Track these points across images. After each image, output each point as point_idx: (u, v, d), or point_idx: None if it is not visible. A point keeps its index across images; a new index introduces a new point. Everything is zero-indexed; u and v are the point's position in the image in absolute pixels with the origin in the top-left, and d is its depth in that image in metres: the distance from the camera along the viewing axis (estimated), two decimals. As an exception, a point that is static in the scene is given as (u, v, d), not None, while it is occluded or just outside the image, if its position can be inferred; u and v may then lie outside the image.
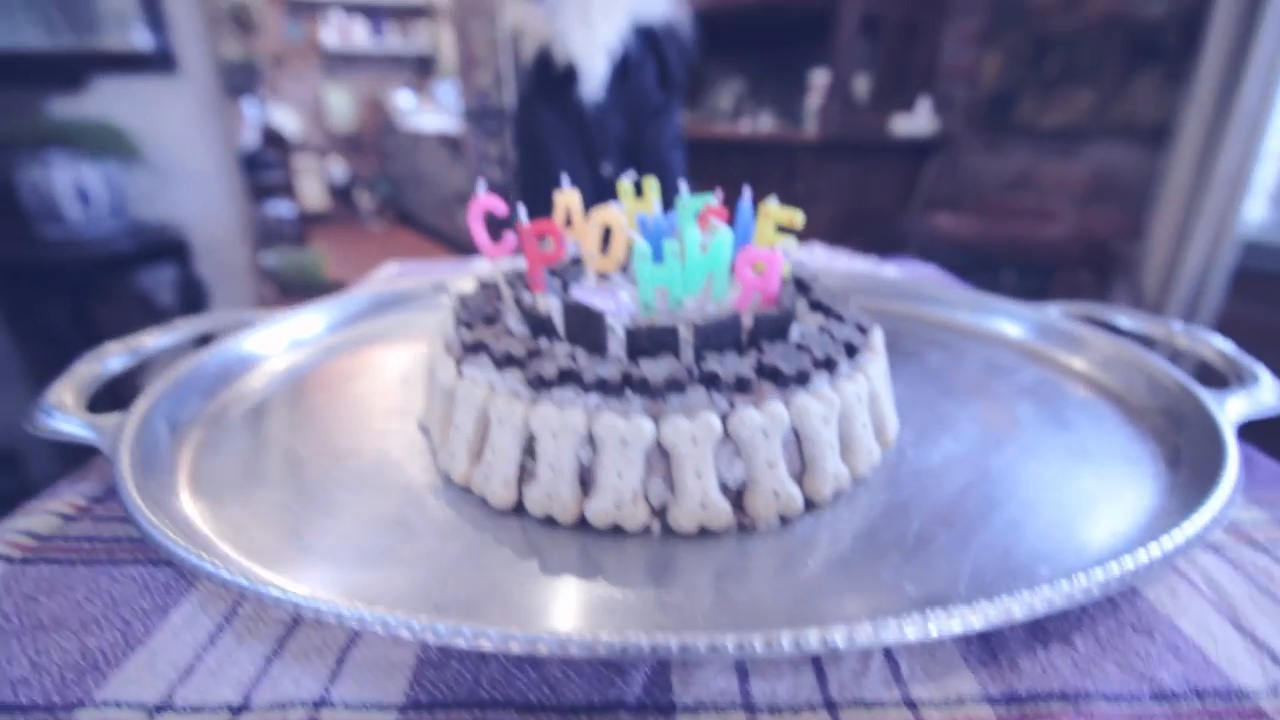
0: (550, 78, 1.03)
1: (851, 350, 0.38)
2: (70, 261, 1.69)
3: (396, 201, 6.29)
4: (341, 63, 6.06)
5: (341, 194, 6.19)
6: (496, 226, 0.42)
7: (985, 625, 0.26)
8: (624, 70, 1.01)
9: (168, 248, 1.90)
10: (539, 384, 0.35)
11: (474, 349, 0.38)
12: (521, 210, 0.41)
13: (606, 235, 0.41)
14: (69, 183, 1.65)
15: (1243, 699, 0.26)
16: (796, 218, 0.44)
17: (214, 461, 0.41)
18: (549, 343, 0.37)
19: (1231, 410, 0.41)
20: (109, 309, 2.18)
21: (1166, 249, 1.58)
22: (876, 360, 0.41)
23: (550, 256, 0.41)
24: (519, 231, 0.41)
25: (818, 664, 0.29)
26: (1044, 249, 1.74)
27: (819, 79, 1.94)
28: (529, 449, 0.35)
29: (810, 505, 0.36)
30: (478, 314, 0.40)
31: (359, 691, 0.26)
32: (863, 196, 2.04)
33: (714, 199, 0.46)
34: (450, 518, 0.36)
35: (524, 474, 0.36)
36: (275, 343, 0.55)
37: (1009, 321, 0.62)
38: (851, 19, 1.85)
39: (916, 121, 2.04)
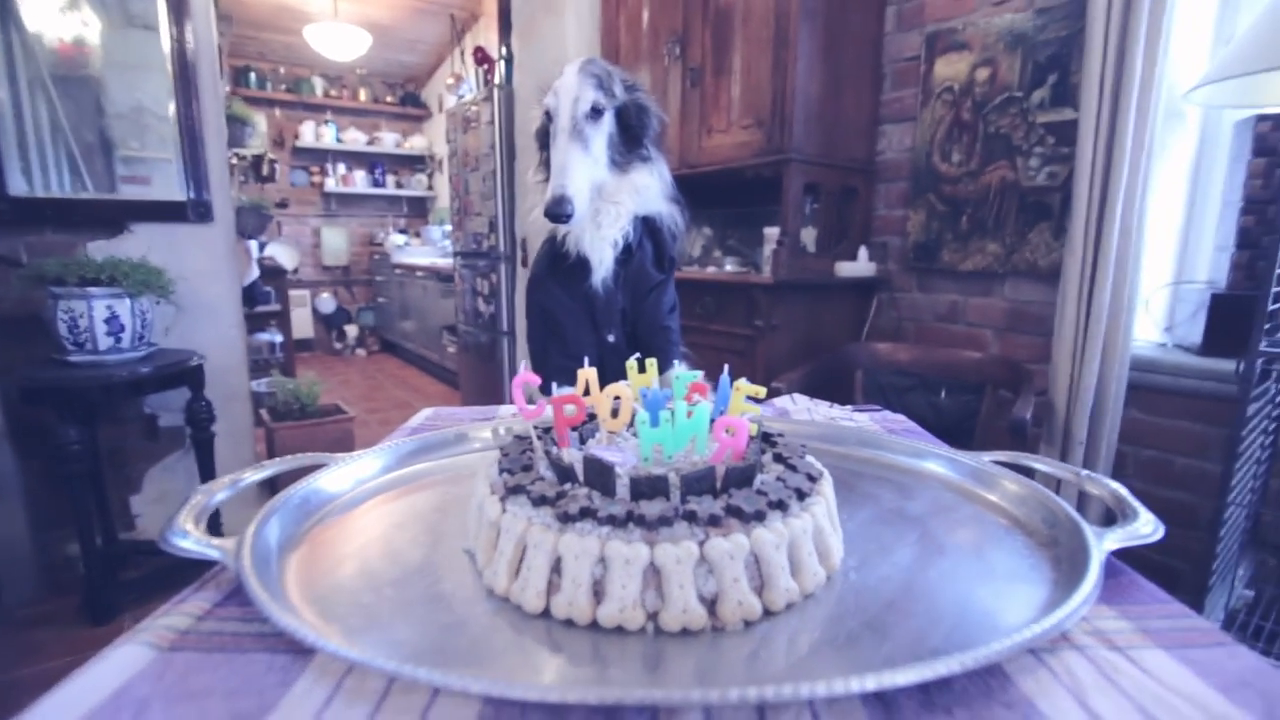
0: (562, 264, 1.07)
1: (801, 495, 0.47)
2: (94, 385, 1.73)
3: (379, 331, 6.34)
4: (340, 204, 6.31)
5: (326, 323, 6.23)
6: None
7: (864, 689, 0.33)
8: (626, 254, 1.06)
9: (184, 373, 1.95)
10: (565, 518, 0.43)
11: (515, 490, 0.47)
12: (554, 387, 0.52)
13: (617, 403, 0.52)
14: (104, 315, 1.74)
15: None
16: (760, 390, 0.54)
17: (307, 575, 0.48)
18: (572, 486, 0.46)
19: (1109, 542, 0.48)
20: (113, 428, 2.21)
21: (1067, 369, 1.74)
22: (822, 502, 0.49)
23: (573, 420, 0.51)
24: (551, 400, 0.51)
25: (763, 713, 0.35)
26: (971, 370, 1.89)
27: (772, 232, 2.15)
28: (556, 567, 0.43)
29: (768, 613, 0.43)
30: (516, 463, 0.51)
31: None
32: (815, 328, 2.21)
33: (700, 375, 0.57)
34: (495, 621, 0.43)
35: (551, 586, 0.43)
36: (344, 480, 0.63)
37: (950, 468, 0.68)
38: (795, 185, 2.08)
39: (858, 266, 2.23)
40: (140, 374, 1.79)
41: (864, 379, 2.02)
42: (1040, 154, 1.87)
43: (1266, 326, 1.24)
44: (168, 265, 1.97)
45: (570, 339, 1.07)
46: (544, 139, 1.06)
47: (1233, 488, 1.30)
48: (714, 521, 0.42)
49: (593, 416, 0.55)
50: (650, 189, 1.06)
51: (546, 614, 0.43)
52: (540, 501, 0.45)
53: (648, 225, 1.09)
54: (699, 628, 0.41)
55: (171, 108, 2.07)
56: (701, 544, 0.42)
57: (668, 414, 0.48)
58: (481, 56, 3.89)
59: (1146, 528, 0.50)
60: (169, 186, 2.09)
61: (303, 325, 6.02)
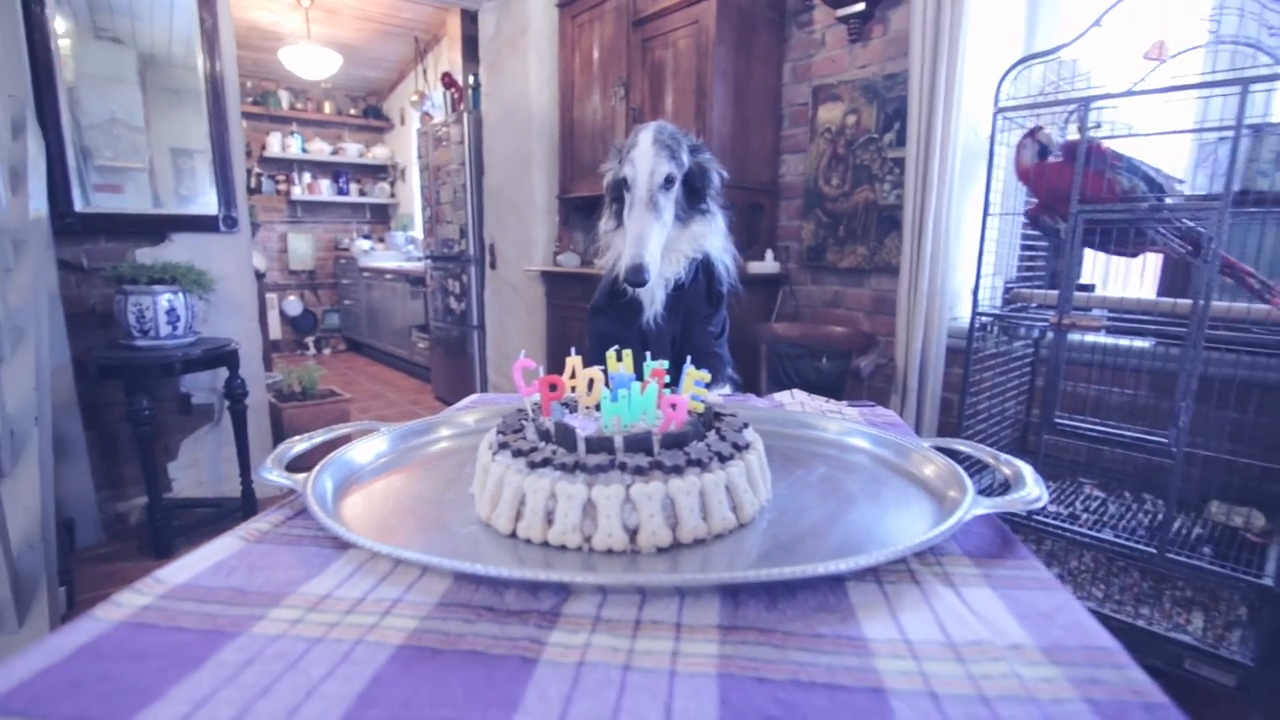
0: (619, 300, 1.04)
1: (722, 458, 0.50)
2: (156, 363, 1.86)
3: (345, 331, 6.04)
4: (306, 211, 5.97)
5: (294, 325, 5.93)
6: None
7: (710, 582, 0.39)
8: (678, 290, 1.03)
9: (224, 356, 2.05)
10: (531, 465, 0.49)
11: (503, 446, 0.53)
12: (540, 368, 0.58)
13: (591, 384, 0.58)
14: (165, 308, 1.86)
15: (865, 644, 0.35)
16: (706, 376, 0.59)
17: (352, 505, 0.55)
18: (545, 444, 0.52)
19: (980, 507, 0.48)
20: (154, 404, 2.28)
21: (904, 339, 2.01)
22: (740, 465, 0.51)
23: (555, 396, 0.58)
24: (538, 382, 0.58)
25: (643, 601, 0.40)
26: (842, 341, 2.13)
27: (695, 240, 2.39)
28: (522, 500, 0.48)
29: (678, 544, 0.47)
30: (510, 427, 0.57)
31: (421, 596, 0.41)
32: (733, 314, 2.46)
33: (664, 365, 0.60)
34: (478, 538, 0.50)
35: (518, 515, 0.48)
36: (390, 442, 0.69)
37: (890, 449, 0.67)
38: (713, 203, 2.33)
39: (765, 265, 2.43)
40: (192, 356, 1.91)
41: (767, 351, 2.31)
42: (890, 180, 2.11)
43: (1017, 302, 1.57)
44: (205, 268, 2.04)
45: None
46: (615, 192, 1.03)
47: (967, 409, 1.58)
48: (639, 471, 0.46)
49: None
50: (706, 237, 1.03)
51: (514, 535, 0.49)
52: (517, 454, 0.51)
53: (701, 263, 1.05)
54: (621, 549, 0.46)
55: (142, 118, 2.04)
56: (628, 487, 0.46)
57: (624, 392, 0.53)
58: (449, 81, 3.93)
59: (1032, 494, 0.50)
60: (141, 196, 2.06)
61: (273, 326, 5.62)
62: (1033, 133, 1.45)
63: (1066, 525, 1.37)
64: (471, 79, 3.60)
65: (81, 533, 2.00)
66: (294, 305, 5.93)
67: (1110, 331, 1.46)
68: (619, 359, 0.60)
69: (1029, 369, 1.82)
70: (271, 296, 5.70)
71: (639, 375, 0.60)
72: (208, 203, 2.16)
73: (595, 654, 0.35)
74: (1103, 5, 1.30)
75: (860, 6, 2.08)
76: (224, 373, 2.13)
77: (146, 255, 2.09)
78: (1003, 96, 1.45)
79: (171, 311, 1.88)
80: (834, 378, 2.22)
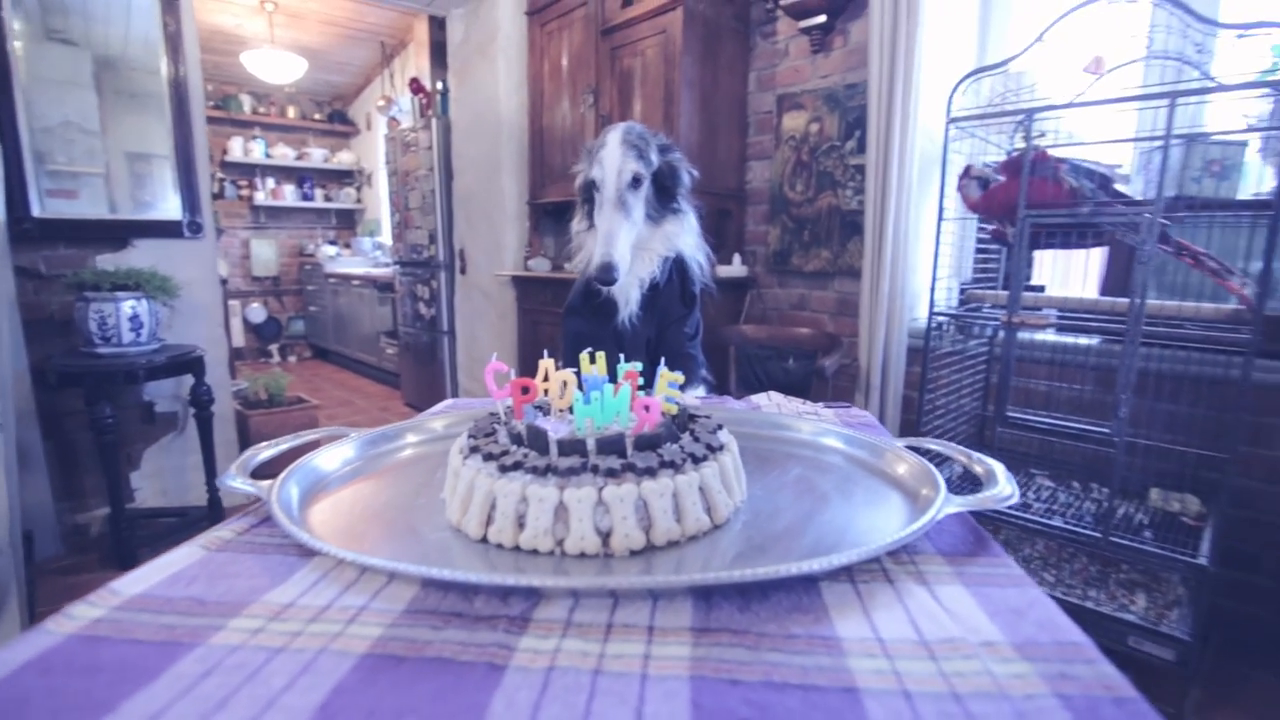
0: (594, 300, 1.02)
1: (696, 459, 0.48)
2: (120, 371, 1.79)
3: (310, 338, 5.86)
4: (269, 217, 5.79)
5: (257, 332, 5.76)
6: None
7: (682, 584, 0.38)
8: (653, 291, 1.02)
9: (189, 363, 1.99)
10: (502, 469, 0.47)
11: (474, 450, 0.51)
12: (511, 371, 0.57)
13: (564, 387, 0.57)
14: (129, 314, 1.80)
15: (838, 644, 0.35)
16: (680, 377, 0.58)
17: (322, 511, 0.54)
18: (517, 447, 0.51)
19: (951, 506, 0.48)
20: (117, 413, 2.19)
21: (867, 339, 2.05)
22: (714, 466, 0.50)
23: (527, 399, 0.56)
24: (511, 385, 0.56)
25: (615, 605, 0.39)
26: (808, 342, 2.18)
27: (666, 243, 2.40)
28: (493, 505, 0.47)
29: (651, 546, 0.46)
30: (481, 431, 0.56)
31: (387, 603, 0.40)
32: (704, 317, 2.47)
33: (637, 367, 0.59)
34: (448, 544, 0.48)
35: (489, 519, 0.47)
36: (358, 448, 0.67)
37: (864, 449, 0.66)
38: (683, 208, 2.34)
39: (734, 269, 2.46)
40: (156, 363, 1.85)
41: (736, 353, 2.33)
42: (853, 186, 2.15)
43: (971, 303, 1.61)
44: (169, 274, 1.97)
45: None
46: (585, 193, 1.02)
47: (926, 405, 1.63)
48: (612, 474, 0.45)
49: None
50: (678, 235, 1.02)
51: (485, 540, 0.47)
52: (488, 457, 0.49)
53: (676, 262, 1.03)
54: (594, 552, 0.45)
55: (97, 122, 1.96)
56: (601, 490, 0.44)
57: (597, 394, 0.52)
58: (417, 87, 3.86)
59: (1004, 492, 0.50)
60: (96, 201, 1.97)
61: (236, 333, 5.39)
62: (967, 171, 1.49)
63: (1020, 514, 1.42)
64: (440, 85, 3.55)
65: (39, 545, 1.91)
66: (257, 312, 5.75)
67: (1059, 330, 1.52)
68: (592, 361, 0.59)
69: (984, 366, 1.87)
70: (234, 303, 5.48)
71: (613, 377, 0.59)
72: (170, 208, 2.08)
73: (565, 659, 0.34)
74: (1050, 20, 1.35)
75: (822, 19, 2.12)
76: (189, 380, 2.06)
77: (108, 261, 2.01)
78: (955, 107, 1.49)
79: (135, 318, 1.82)
80: (801, 378, 2.25)
